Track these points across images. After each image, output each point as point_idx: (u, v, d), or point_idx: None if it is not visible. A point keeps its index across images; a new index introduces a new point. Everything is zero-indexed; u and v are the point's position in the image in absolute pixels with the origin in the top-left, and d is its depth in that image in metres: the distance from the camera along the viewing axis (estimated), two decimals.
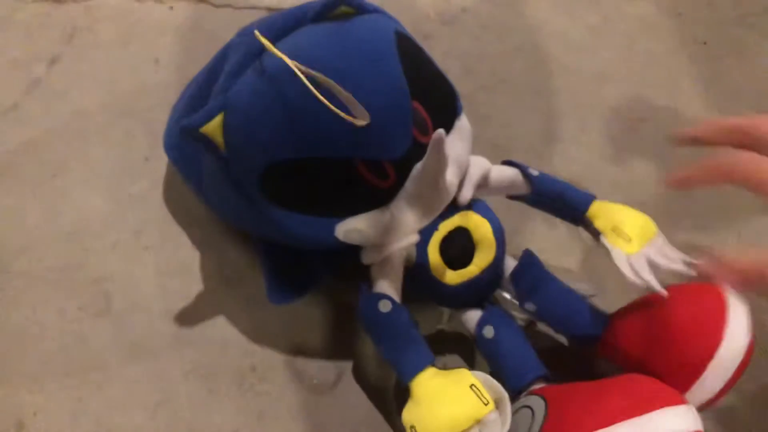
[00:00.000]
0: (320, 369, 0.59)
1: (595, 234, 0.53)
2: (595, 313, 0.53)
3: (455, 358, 0.59)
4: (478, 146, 0.72)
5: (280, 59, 0.47)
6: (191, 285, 0.63)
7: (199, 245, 0.65)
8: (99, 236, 0.65)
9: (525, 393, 0.49)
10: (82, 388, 0.57)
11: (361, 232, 0.48)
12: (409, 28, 0.54)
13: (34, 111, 0.73)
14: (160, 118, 0.71)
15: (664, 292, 0.49)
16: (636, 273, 0.50)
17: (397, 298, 0.51)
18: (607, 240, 0.52)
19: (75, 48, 0.79)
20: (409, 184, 0.47)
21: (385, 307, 0.49)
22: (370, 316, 0.50)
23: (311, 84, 0.43)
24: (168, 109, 0.68)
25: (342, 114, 0.43)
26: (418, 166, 0.46)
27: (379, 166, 0.46)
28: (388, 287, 0.51)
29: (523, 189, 0.56)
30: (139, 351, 0.59)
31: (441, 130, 0.41)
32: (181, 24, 0.81)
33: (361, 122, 0.43)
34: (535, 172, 0.55)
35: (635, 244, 0.51)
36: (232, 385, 0.57)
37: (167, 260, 0.64)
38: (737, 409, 0.58)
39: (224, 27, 0.80)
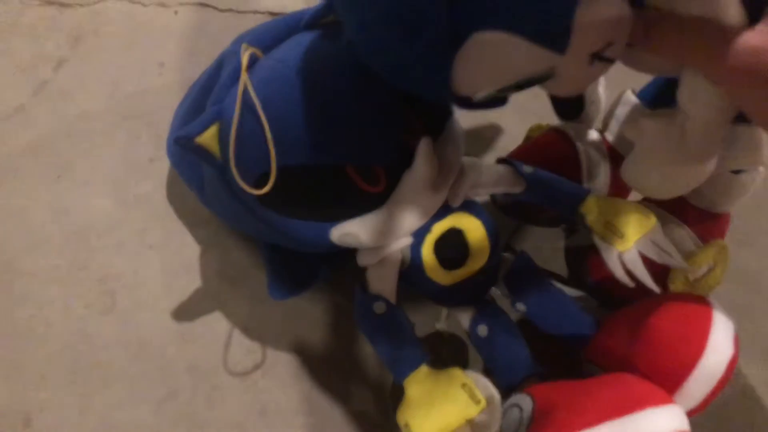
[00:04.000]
0: (321, 365, 0.60)
1: (589, 230, 0.53)
2: (584, 317, 0.53)
3: (451, 357, 0.60)
4: (473, 146, 0.73)
5: (270, 70, 0.47)
6: (195, 283, 0.64)
7: (202, 244, 0.66)
8: (104, 236, 0.66)
9: (516, 391, 0.49)
10: (88, 384, 0.58)
11: (355, 236, 0.49)
12: None
13: (40, 113, 0.74)
14: (164, 120, 0.71)
15: (656, 288, 0.49)
16: (626, 271, 0.50)
17: (392, 299, 0.51)
18: (598, 237, 0.52)
19: (81, 51, 0.80)
20: (400, 188, 0.47)
21: (379, 308, 0.50)
22: (364, 318, 0.51)
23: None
24: (172, 112, 0.69)
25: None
26: (409, 170, 0.46)
27: (370, 171, 0.46)
28: (383, 289, 0.51)
29: (517, 187, 0.56)
30: (143, 348, 0.60)
31: (428, 137, 0.41)
32: (186, 28, 0.82)
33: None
34: (528, 170, 0.55)
35: (628, 239, 0.50)
36: (234, 381, 0.59)
37: (171, 259, 0.65)
38: (736, 410, 0.58)
39: (228, 31, 0.81)
